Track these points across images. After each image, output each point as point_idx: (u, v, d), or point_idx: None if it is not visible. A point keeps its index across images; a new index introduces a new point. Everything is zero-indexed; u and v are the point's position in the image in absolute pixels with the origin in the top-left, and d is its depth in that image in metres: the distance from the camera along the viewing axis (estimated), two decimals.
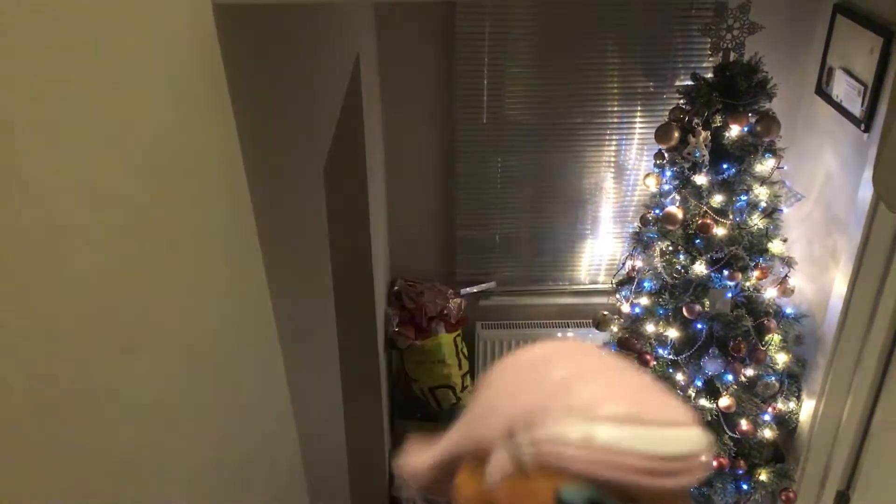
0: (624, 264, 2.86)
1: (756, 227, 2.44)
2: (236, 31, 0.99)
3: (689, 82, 2.50)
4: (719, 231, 2.43)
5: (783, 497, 2.73)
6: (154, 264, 0.80)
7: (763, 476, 2.67)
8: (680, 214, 2.46)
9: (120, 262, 0.72)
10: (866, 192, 2.35)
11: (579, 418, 0.35)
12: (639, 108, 2.99)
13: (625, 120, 3.01)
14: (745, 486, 2.69)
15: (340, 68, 1.98)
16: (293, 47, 1.42)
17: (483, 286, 3.29)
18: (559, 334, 3.24)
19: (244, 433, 1.13)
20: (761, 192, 2.42)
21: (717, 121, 2.39)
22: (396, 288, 3.15)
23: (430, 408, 3.12)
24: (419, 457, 0.41)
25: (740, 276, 2.46)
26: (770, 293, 2.56)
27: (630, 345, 2.66)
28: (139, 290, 0.77)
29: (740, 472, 2.65)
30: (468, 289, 3.26)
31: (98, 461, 0.69)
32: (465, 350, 3.17)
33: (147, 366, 0.79)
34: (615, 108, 3.00)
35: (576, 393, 0.38)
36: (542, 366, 0.41)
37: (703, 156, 2.42)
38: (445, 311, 3.07)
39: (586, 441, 0.34)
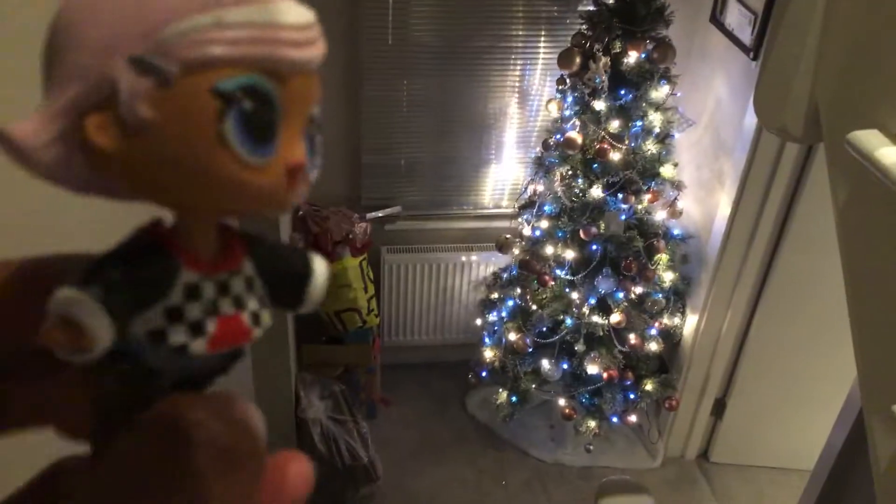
0: (526, 189, 2.94)
1: (649, 152, 2.55)
2: None
3: (591, 7, 2.54)
4: (615, 156, 2.53)
5: (667, 405, 2.95)
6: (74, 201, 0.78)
7: (649, 386, 2.87)
8: (579, 139, 2.54)
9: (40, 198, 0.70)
10: (752, 119, 2.48)
11: (202, 10, 0.32)
12: (543, 33, 3.02)
13: (529, 44, 3.03)
14: (632, 396, 2.89)
15: None
16: None
17: (388, 211, 3.30)
18: (463, 258, 3.32)
19: None
20: (655, 118, 2.52)
21: (617, 47, 2.45)
22: (301, 213, 3.12)
23: (336, 331, 3.15)
24: (27, 125, 0.31)
25: (633, 199, 2.58)
26: (660, 215, 2.70)
27: (530, 266, 2.76)
28: (63, 226, 0.74)
29: (628, 382, 2.84)
30: (373, 213, 3.26)
31: None
32: (370, 274, 3.20)
33: None
34: (520, 33, 3.01)
35: None
36: None
37: (603, 81, 2.49)
38: (351, 236, 3.08)
39: (220, 24, 0.31)
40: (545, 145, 2.75)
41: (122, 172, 0.32)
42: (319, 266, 0.37)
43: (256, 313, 0.34)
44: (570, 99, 2.60)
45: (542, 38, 3.03)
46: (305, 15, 0.34)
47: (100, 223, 0.91)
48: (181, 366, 0.32)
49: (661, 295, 2.75)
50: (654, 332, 2.80)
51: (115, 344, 0.29)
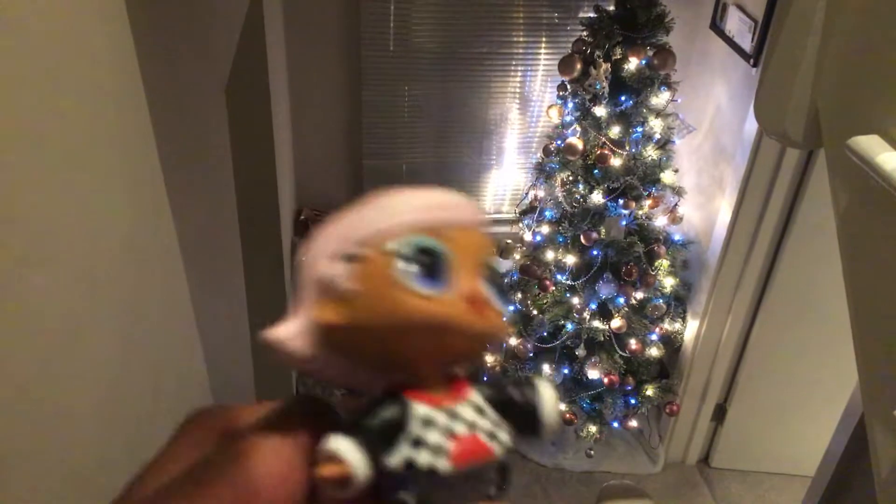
0: (527, 194, 2.94)
1: (650, 158, 2.56)
2: None
3: (592, 14, 2.55)
4: (616, 161, 2.53)
5: (668, 410, 2.95)
6: (49, 177, 0.78)
7: (650, 391, 2.87)
8: (580, 145, 2.54)
9: (14, 172, 0.70)
10: (752, 125, 2.49)
11: (381, 209, 0.43)
12: (543, 39, 3.03)
13: (530, 51, 3.05)
14: (633, 401, 2.89)
15: None
16: None
17: None
18: None
19: (150, 351, 1.13)
20: (656, 124, 2.52)
21: (618, 53, 2.46)
22: (303, 217, 3.13)
23: None
24: (283, 327, 0.44)
25: (634, 204, 2.58)
26: (661, 221, 2.70)
27: (531, 271, 2.76)
28: (36, 201, 0.75)
29: (629, 387, 2.84)
30: None
31: None
32: None
33: (48, 279, 0.78)
34: (521, 39, 3.02)
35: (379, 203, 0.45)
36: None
37: (603, 88, 2.49)
38: None
39: (391, 210, 0.43)
40: (546, 151, 2.75)
41: (349, 339, 0.41)
42: (546, 392, 0.43)
43: (492, 432, 0.41)
44: (570, 105, 2.61)
45: (543, 45, 3.04)
46: (455, 197, 0.45)
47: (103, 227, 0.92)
48: (444, 494, 0.39)
49: (661, 300, 2.75)
50: (654, 337, 2.80)
51: (382, 478, 0.38)
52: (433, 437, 0.40)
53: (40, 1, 0.75)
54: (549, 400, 0.43)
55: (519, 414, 0.43)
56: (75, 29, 0.84)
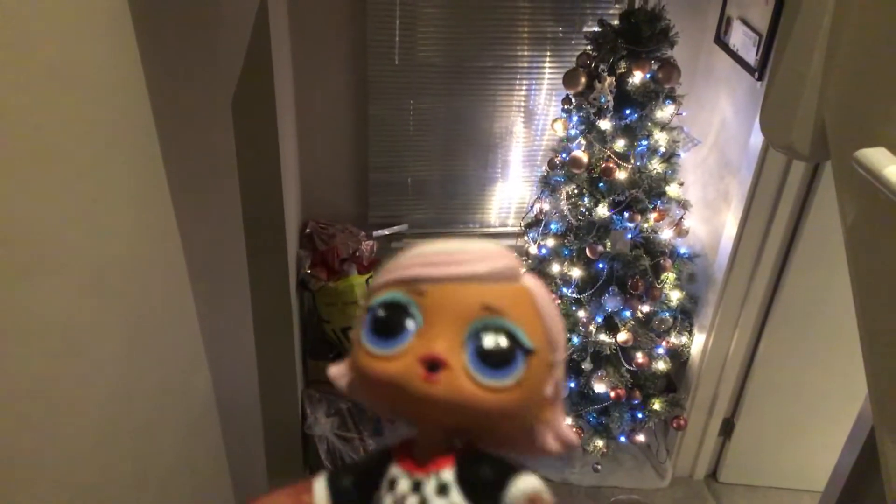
0: (532, 207, 2.94)
1: (655, 171, 2.56)
2: None
3: (596, 28, 2.56)
4: (621, 175, 2.53)
5: (675, 424, 2.93)
6: (57, 187, 0.78)
7: (657, 405, 2.85)
8: (585, 158, 2.55)
9: (22, 185, 0.71)
10: (757, 138, 2.49)
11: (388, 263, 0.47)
12: (548, 54, 3.04)
13: (535, 65, 3.05)
14: (639, 415, 2.87)
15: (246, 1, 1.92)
16: None
17: (395, 228, 3.31)
18: None
19: (154, 363, 1.13)
20: (661, 138, 2.52)
21: (622, 67, 2.46)
22: (308, 230, 3.13)
23: (343, 348, 3.15)
24: (334, 369, 0.50)
25: (640, 217, 2.58)
26: (666, 234, 2.69)
27: None
28: (44, 212, 0.75)
29: (636, 401, 2.82)
30: (380, 231, 3.27)
31: (2, 387, 0.68)
32: None
33: (54, 289, 0.78)
34: (525, 53, 3.03)
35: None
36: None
37: (608, 101, 2.50)
38: (357, 253, 3.08)
39: (390, 265, 0.45)
40: (551, 164, 2.75)
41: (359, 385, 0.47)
42: (524, 483, 0.44)
43: None
44: (575, 118, 2.61)
45: (548, 59, 3.05)
46: (455, 245, 0.46)
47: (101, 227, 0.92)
48: None
49: (668, 313, 2.74)
50: (661, 350, 2.79)
51: None
52: (387, 502, 0.43)
53: (50, 21, 0.76)
54: (516, 492, 0.43)
55: (482, 492, 0.44)
56: (84, 46, 0.84)
